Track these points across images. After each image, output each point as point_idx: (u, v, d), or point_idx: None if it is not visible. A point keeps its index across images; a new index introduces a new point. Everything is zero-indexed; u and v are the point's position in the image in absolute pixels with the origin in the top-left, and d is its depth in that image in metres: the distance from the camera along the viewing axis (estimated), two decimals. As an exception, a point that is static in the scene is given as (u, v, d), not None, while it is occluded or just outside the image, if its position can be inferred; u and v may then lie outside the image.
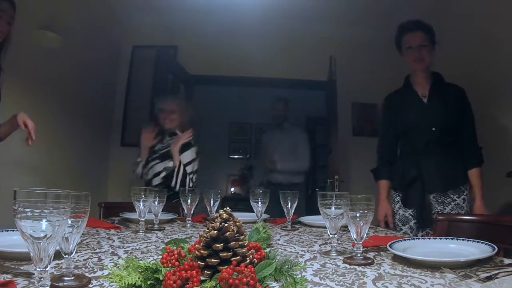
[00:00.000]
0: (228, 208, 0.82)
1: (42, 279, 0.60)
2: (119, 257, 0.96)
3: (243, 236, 0.78)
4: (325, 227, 1.09)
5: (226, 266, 0.68)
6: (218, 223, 0.77)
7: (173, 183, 2.39)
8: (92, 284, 0.72)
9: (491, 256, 0.89)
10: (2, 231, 1.07)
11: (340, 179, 3.13)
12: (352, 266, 0.89)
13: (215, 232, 0.76)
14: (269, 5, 3.31)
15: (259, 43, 3.62)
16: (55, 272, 0.79)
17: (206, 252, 0.74)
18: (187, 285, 0.66)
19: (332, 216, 1.04)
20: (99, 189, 3.46)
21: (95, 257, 0.95)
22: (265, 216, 1.74)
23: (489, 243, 0.96)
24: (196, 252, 0.75)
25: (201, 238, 0.78)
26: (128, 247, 1.12)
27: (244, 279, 0.63)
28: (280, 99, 3.59)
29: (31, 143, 1.62)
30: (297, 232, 1.51)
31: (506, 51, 2.49)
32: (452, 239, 1.07)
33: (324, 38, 3.65)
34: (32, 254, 0.60)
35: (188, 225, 1.62)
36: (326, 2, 3.35)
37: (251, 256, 0.77)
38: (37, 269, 0.60)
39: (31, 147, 2.42)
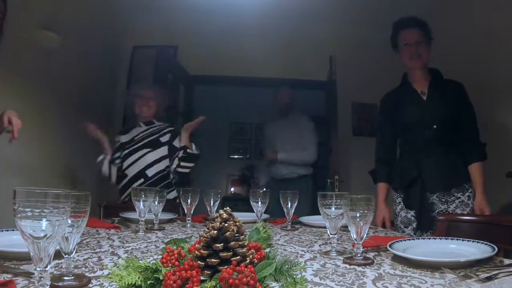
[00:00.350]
0: (228, 208, 0.82)
1: (42, 279, 0.60)
2: (119, 257, 0.96)
3: (243, 236, 0.78)
4: (325, 227, 1.09)
5: (226, 266, 0.68)
6: (218, 223, 0.77)
7: (173, 166, 2.38)
8: (92, 284, 0.72)
9: (491, 257, 0.89)
10: (2, 231, 1.07)
11: (340, 179, 3.13)
12: (352, 266, 0.89)
13: (215, 232, 0.76)
14: (269, 5, 3.31)
15: (259, 43, 3.62)
16: (55, 272, 0.79)
17: (206, 252, 0.74)
18: (187, 285, 0.66)
19: (332, 216, 1.04)
20: (100, 190, 3.46)
21: (95, 257, 0.95)
22: (265, 216, 1.74)
23: (489, 243, 0.96)
24: (196, 252, 0.75)
25: (201, 238, 0.78)
26: (128, 247, 1.12)
27: (244, 279, 0.63)
28: (285, 87, 3.35)
29: (13, 140, 1.56)
30: (297, 232, 1.51)
31: (505, 49, 2.49)
32: (452, 239, 1.07)
33: (324, 38, 3.65)
34: (32, 254, 0.60)
35: (188, 225, 1.62)
36: (326, 2, 3.35)
37: (251, 256, 0.77)
38: (37, 269, 0.60)
39: (32, 147, 2.44)
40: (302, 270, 0.81)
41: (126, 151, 2.37)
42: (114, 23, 3.47)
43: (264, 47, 3.65)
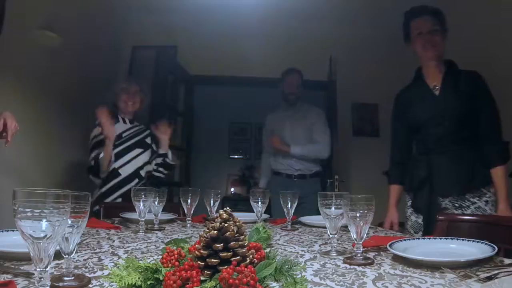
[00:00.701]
0: (228, 208, 0.82)
1: (42, 279, 0.60)
2: (119, 257, 0.96)
3: (243, 236, 0.78)
4: (325, 227, 1.09)
5: (226, 266, 0.68)
6: (218, 223, 0.77)
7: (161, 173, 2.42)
8: (92, 284, 0.72)
9: (491, 256, 0.89)
10: (2, 231, 1.07)
11: (340, 179, 3.13)
12: (352, 266, 0.89)
13: (215, 232, 0.76)
14: (269, 5, 3.31)
15: (259, 43, 3.62)
16: (55, 272, 0.79)
17: (206, 252, 0.74)
18: (187, 285, 0.66)
19: (332, 216, 1.04)
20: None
21: (95, 257, 0.95)
22: (265, 216, 1.74)
23: (489, 243, 0.96)
24: (196, 252, 0.75)
25: (201, 238, 0.78)
26: (128, 247, 1.12)
27: (244, 279, 0.63)
28: (292, 71, 2.99)
29: (7, 144, 1.50)
30: (297, 232, 1.51)
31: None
32: (452, 239, 1.07)
33: (324, 38, 3.65)
34: (32, 254, 0.60)
35: (188, 225, 1.62)
36: (326, 2, 3.35)
37: (251, 256, 0.77)
38: (37, 269, 0.60)
39: (33, 147, 2.44)
40: (302, 270, 0.81)
41: (119, 149, 2.30)
42: (114, 23, 3.47)
43: (264, 47, 3.65)
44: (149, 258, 0.96)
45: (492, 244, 0.94)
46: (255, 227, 1.13)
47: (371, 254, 1.01)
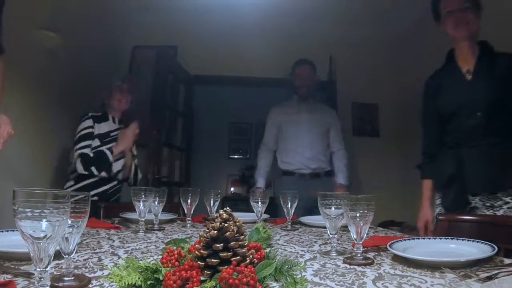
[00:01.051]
0: (228, 208, 0.82)
1: (42, 279, 0.60)
2: (119, 257, 0.96)
3: (243, 236, 0.78)
4: (325, 227, 1.09)
5: (226, 266, 0.68)
6: (218, 223, 0.77)
7: (132, 177, 2.46)
8: (92, 284, 0.72)
9: (491, 256, 0.89)
10: (2, 231, 1.07)
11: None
12: (352, 266, 0.89)
13: (215, 232, 0.76)
14: (269, 5, 3.31)
15: (259, 43, 3.62)
16: (55, 272, 0.79)
17: (206, 252, 0.74)
18: (187, 285, 0.66)
19: (332, 216, 1.04)
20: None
21: (95, 257, 0.95)
22: (265, 216, 1.74)
23: (489, 243, 0.96)
24: (196, 252, 0.75)
25: (201, 238, 0.78)
26: (128, 247, 1.12)
27: (244, 279, 0.63)
28: (303, 61, 2.77)
29: None
30: (297, 232, 1.51)
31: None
32: (452, 239, 1.07)
33: (324, 38, 3.65)
34: (32, 254, 0.60)
35: (188, 225, 1.62)
36: (326, 2, 3.35)
37: (251, 256, 0.77)
38: (37, 269, 0.60)
39: (32, 147, 2.44)
40: (302, 270, 0.81)
41: (106, 146, 2.30)
42: (114, 23, 3.47)
43: (264, 47, 3.65)
44: (149, 258, 0.96)
45: (492, 244, 0.94)
46: (255, 227, 1.13)
47: (371, 254, 1.01)
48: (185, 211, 1.65)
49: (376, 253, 1.03)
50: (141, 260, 0.81)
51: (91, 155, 2.22)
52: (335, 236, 1.05)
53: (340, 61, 3.37)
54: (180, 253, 0.78)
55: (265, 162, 2.82)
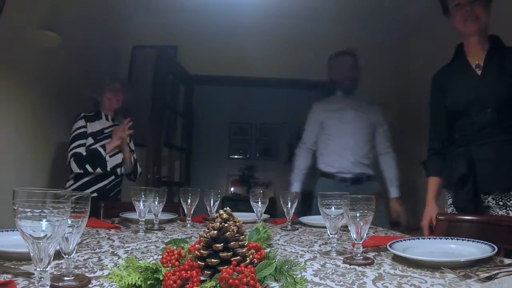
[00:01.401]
0: (228, 208, 0.82)
1: (42, 279, 0.60)
2: (119, 257, 0.96)
3: (243, 236, 0.78)
4: (325, 227, 1.09)
5: (226, 266, 0.68)
6: (218, 223, 0.77)
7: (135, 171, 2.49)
8: (92, 284, 0.72)
9: (491, 256, 0.89)
10: (2, 231, 1.07)
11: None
12: (352, 266, 0.89)
13: (215, 232, 0.76)
14: (269, 5, 3.31)
15: (259, 43, 3.62)
16: (55, 272, 0.79)
17: (206, 252, 0.74)
18: (187, 285, 0.66)
19: (332, 216, 1.04)
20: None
21: (95, 257, 0.95)
22: (265, 216, 1.74)
23: (489, 243, 0.96)
24: (196, 252, 0.75)
25: (201, 238, 0.78)
26: (128, 247, 1.12)
27: (244, 279, 0.63)
28: (341, 53, 2.55)
29: None
30: (297, 232, 1.51)
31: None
32: (452, 239, 1.07)
33: (324, 38, 3.65)
34: (32, 254, 0.60)
35: (188, 225, 1.62)
36: (327, 2, 3.35)
37: (251, 256, 0.77)
38: (37, 269, 0.60)
39: (32, 147, 2.44)
40: (302, 270, 0.81)
41: (100, 144, 2.32)
42: (114, 23, 3.47)
43: (264, 47, 3.65)
44: (149, 258, 0.96)
45: (492, 244, 0.94)
46: (255, 227, 1.13)
47: (371, 254, 1.01)
48: (185, 211, 1.65)
49: (376, 253, 1.04)
50: (141, 260, 0.81)
51: (84, 153, 2.25)
52: (335, 236, 1.05)
53: (340, 61, 3.37)
54: (180, 253, 0.78)
55: (304, 163, 2.58)
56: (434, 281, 0.75)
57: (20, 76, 2.30)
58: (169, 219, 1.79)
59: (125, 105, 2.54)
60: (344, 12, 3.48)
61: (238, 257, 0.74)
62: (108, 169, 2.30)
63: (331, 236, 1.05)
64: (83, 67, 2.89)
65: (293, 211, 1.58)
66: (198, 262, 0.73)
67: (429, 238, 1.14)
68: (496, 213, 1.49)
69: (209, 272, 0.72)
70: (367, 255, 0.97)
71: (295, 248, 1.15)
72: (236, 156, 6.23)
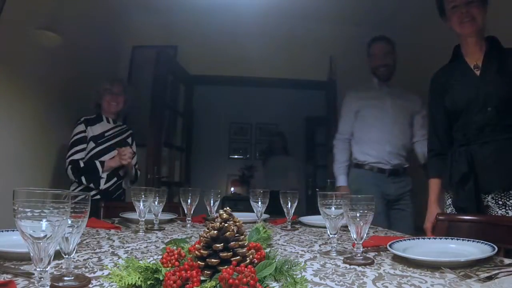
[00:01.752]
0: (228, 208, 0.82)
1: (42, 279, 0.60)
2: (119, 257, 0.96)
3: (243, 236, 0.78)
4: (325, 227, 1.09)
5: (226, 266, 0.68)
6: (218, 223, 0.77)
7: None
8: (92, 284, 0.72)
9: (491, 256, 0.89)
10: (2, 231, 1.07)
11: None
12: (352, 266, 0.89)
13: (215, 232, 0.76)
14: (269, 5, 3.31)
15: (259, 43, 3.62)
16: (55, 272, 0.79)
17: (206, 252, 0.74)
18: (187, 285, 0.66)
19: (332, 216, 1.04)
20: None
21: (95, 257, 0.95)
22: (265, 216, 1.74)
23: (489, 243, 0.96)
24: (196, 252, 0.75)
25: (201, 238, 0.78)
26: (128, 247, 1.12)
27: (244, 279, 0.63)
28: (378, 38, 2.45)
29: None
30: (297, 232, 1.51)
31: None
32: (452, 239, 1.07)
33: (324, 38, 3.65)
34: (32, 254, 0.60)
35: (188, 225, 1.62)
36: (327, 2, 3.35)
37: (251, 256, 0.77)
38: (37, 269, 0.60)
39: (32, 147, 2.44)
40: (302, 270, 0.81)
41: (101, 147, 2.33)
42: (114, 23, 3.47)
43: (264, 47, 3.65)
44: (149, 258, 0.96)
45: (492, 244, 0.94)
46: (255, 227, 1.13)
47: (371, 254, 1.01)
48: (185, 211, 1.65)
49: (376, 253, 1.03)
50: (141, 260, 0.81)
51: (82, 164, 2.25)
52: (335, 236, 1.05)
53: (340, 61, 3.37)
54: (180, 253, 0.78)
55: (344, 155, 2.48)
56: (434, 281, 0.75)
57: (20, 76, 2.30)
58: (169, 219, 1.79)
59: (126, 108, 2.53)
60: (344, 12, 3.48)
61: (238, 257, 0.74)
62: (101, 187, 2.28)
63: (331, 236, 1.05)
64: (83, 67, 2.89)
65: (293, 211, 1.58)
66: (198, 262, 0.73)
67: (429, 238, 1.14)
68: (495, 212, 1.49)
69: (209, 272, 0.72)
70: (367, 255, 0.97)
71: (295, 248, 1.15)
72: (236, 156, 6.23)
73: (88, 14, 2.90)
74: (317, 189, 3.60)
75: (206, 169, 5.32)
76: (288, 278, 0.73)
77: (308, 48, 3.71)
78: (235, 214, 0.83)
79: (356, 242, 0.95)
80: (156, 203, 1.50)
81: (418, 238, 1.13)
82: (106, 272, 0.80)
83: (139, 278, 0.68)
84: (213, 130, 5.75)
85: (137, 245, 1.15)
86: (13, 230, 1.06)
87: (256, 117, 5.91)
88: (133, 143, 2.52)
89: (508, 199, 1.47)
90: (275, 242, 1.24)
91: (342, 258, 0.96)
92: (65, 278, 0.72)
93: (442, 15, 1.65)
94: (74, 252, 0.75)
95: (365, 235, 0.96)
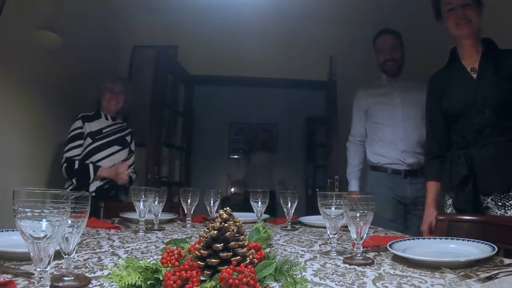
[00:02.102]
0: (228, 208, 0.82)
1: (42, 279, 0.60)
2: (119, 257, 0.96)
3: (243, 236, 0.78)
4: (325, 227, 1.09)
5: (226, 266, 0.68)
6: (218, 223, 0.77)
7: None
8: (92, 284, 0.72)
9: (491, 256, 0.89)
10: (2, 231, 1.07)
11: (340, 179, 3.13)
12: (352, 266, 0.89)
13: (215, 232, 0.76)
14: (269, 5, 3.31)
15: (259, 43, 3.62)
16: (55, 272, 0.79)
17: (206, 252, 0.74)
18: (187, 285, 0.66)
19: (332, 216, 1.04)
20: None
21: (95, 257, 0.95)
22: (265, 216, 1.74)
23: (489, 243, 0.96)
24: (196, 252, 0.75)
25: (201, 238, 0.78)
26: (128, 247, 1.12)
27: (244, 279, 0.63)
28: (383, 31, 2.35)
29: None
30: (297, 232, 1.51)
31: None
32: (452, 239, 1.07)
33: (324, 38, 3.65)
34: (32, 254, 0.60)
35: (188, 225, 1.62)
36: (327, 2, 3.35)
37: (251, 256, 0.77)
38: (37, 269, 0.60)
39: (32, 147, 2.44)
40: (302, 270, 0.81)
41: (98, 143, 2.34)
42: (114, 23, 3.47)
43: (264, 47, 3.65)
44: (149, 258, 0.96)
45: (492, 244, 0.94)
46: (255, 227, 1.13)
47: (371, 254, 1.01)
48: (185, 211, 1.65)
49: (376, 253, 1.04)
50: (141, 260, 0.81)
51: (76, 165, 2.26)
52: (335, 236, 1.05)
53: (340, 61, 3.37)
54: (180, 253, 0.78)
55: (356, 158, 2.39)
56: (434, 281, 0.75)
57: (20, 76, 2.30)
58: (169, 219, 1.79)
59: (126, 107, 2.54)
60: (344, 12, 3.48)
61: (238, 257, 0.74)
62: (90, 191, 2.27)
63: (331, 236, 1.05)
64: (83, 67, 2.88)
65: (293, 211, 1.58)
66: (198, 262, 0.73)
67: (429, 238, 1.14)
68: (494, 213, 1.50)
69: (209, 272, 0.72)
70: (367, 255, 0.97)
71: (295, 248, 1.15)
72: (236, 156, 6.23)
73: (88, 14, 2.90)
74: (317, 189, 3.60)
75: (206, 169, 5.31)
76: (288, 278, 0.73)
77: (308, 48, 3.71)
78: (235, 214, 0.83)
79: (356, 242, 0.95)
80: (156, 203, 1.50)
81: (418, 238, 1.13)
82: (106, 272, 0.80)
83: (139, 278, 0.68)
84: (213, 130, 5.74)
85: (137, 245, 1.15)
86: (13, 230, 1.06)
87: (256, 117, 5.91)
88: (132, 142, 2.53)
89: (507, 200, 1.47)
90: (275, 242, 1.24)
91: (342, 258, 0.96)
92: (65, 278, 0.72)
93: (437, 17, 1.66)
94: (74, 252, 0.75)
95: (365, 235, 0.96)
